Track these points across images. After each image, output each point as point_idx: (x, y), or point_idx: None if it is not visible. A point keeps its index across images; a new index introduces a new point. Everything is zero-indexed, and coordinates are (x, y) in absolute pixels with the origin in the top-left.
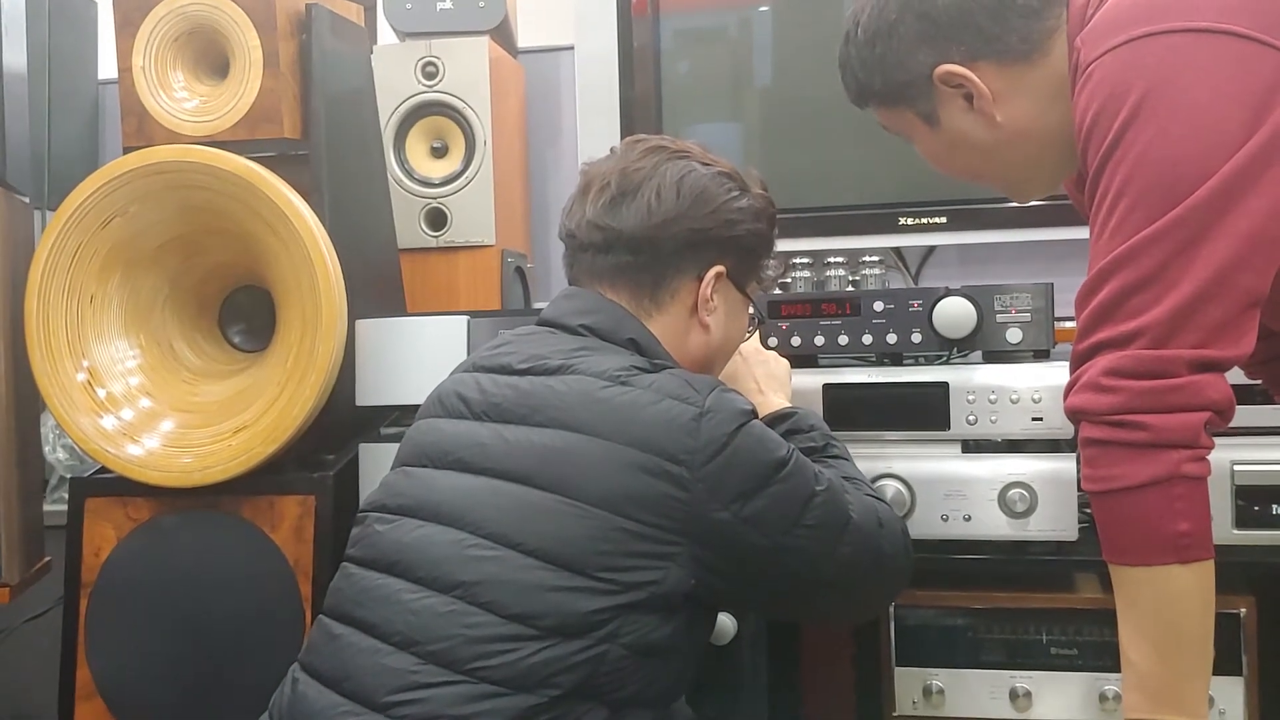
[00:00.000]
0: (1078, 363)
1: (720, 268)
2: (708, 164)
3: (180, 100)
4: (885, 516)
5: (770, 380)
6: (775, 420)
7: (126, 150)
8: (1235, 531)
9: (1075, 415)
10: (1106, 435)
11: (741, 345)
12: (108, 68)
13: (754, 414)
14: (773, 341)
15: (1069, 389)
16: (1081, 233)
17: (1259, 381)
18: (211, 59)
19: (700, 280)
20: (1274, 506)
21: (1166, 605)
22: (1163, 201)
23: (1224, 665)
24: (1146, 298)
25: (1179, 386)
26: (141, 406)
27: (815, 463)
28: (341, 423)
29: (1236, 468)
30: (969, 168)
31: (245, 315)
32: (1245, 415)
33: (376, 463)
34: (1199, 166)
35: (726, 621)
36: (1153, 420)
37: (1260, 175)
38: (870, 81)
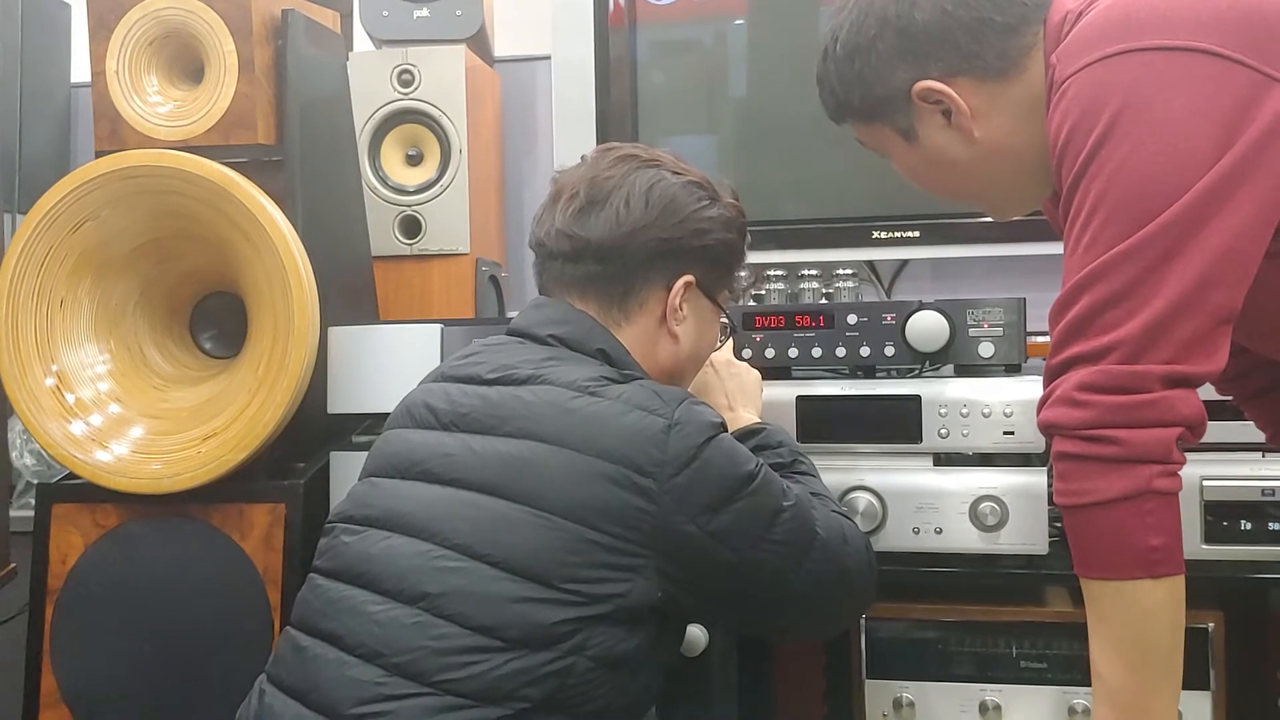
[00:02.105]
0: (1051, 377)
1: (689, 277)
2: (678, 173)
3: (154, 104)
4: (850, 533)
5: (741, 394)
6: (744, 436)
7: (99, 154)
8: (1204, 547)
9: (1048, 429)
10: (1079, 450)
11: (713, 356)
12: (80, 71)
13: (723, 427)
14: (746, 353)
15: (1042, 403)
16: (1053, 248)
17: (1229, 398)
18: (186, 63)
19: (669, 290)
20: (1243, 522)
21: (1137, 620)
22: (1137, 217)
23: (1192, 680)
24: (1119, 313)
25: (1151, 402)
26: (111, 412)
27: (783, 479)
28: (313, 430)
29: (1206, 483)
30: (946, 184)
31: (217, 321)
32: (1214, 431)
33: (348, 471)
34: (1172, 183)
35: (697, 633)
36: (1125, 435)
37: (1232, 193)
38: (849, 97)
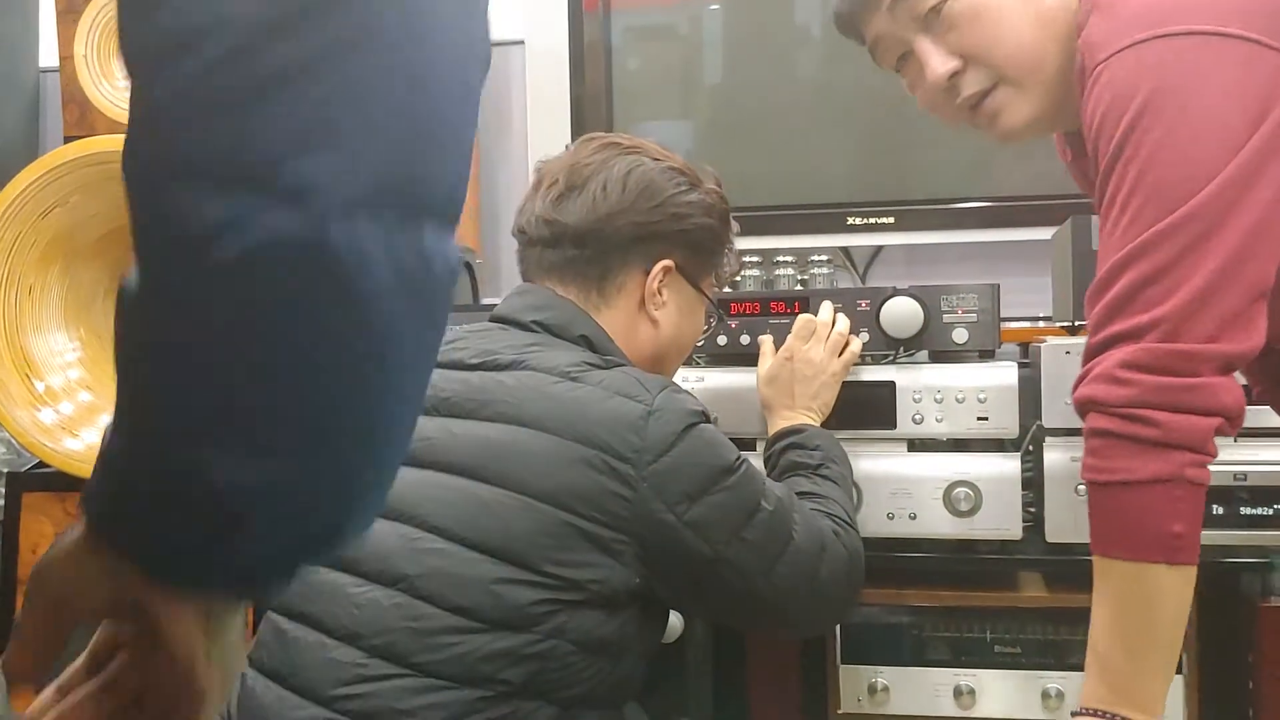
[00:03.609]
0: (1090, 355)
1: (668, 262)
2: (659, 159)
3: (123, 89)
4: (831, 544)
5: (805, 396)
6: (782, 435)
7: (68, 140)
8: None
9: (1085, 405)
10: (1115, 427)
11: (800, 350)
12: (49, 55)
13: (704, 415)
14: (721, 339)
15: (1079, 381)
16: (1028, 234)
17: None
18: None
19: (648, 274)
20: (1214, 506)
21: (1145, 602)
22: (1173, 198)
23: None
24: (1159, 291)
25: (1194, 386)
26: (81, 400)
27: (801, 479)
28: None
29: None
30: (1009, 29)
31: None
32: None
33: None
34: (1207, 164)
35: (673, 620)
36: (1164, 418)
37: (1263, 169)
38: None
